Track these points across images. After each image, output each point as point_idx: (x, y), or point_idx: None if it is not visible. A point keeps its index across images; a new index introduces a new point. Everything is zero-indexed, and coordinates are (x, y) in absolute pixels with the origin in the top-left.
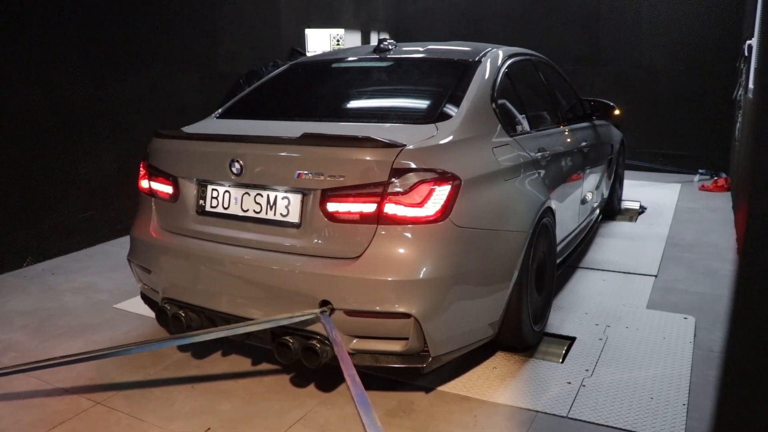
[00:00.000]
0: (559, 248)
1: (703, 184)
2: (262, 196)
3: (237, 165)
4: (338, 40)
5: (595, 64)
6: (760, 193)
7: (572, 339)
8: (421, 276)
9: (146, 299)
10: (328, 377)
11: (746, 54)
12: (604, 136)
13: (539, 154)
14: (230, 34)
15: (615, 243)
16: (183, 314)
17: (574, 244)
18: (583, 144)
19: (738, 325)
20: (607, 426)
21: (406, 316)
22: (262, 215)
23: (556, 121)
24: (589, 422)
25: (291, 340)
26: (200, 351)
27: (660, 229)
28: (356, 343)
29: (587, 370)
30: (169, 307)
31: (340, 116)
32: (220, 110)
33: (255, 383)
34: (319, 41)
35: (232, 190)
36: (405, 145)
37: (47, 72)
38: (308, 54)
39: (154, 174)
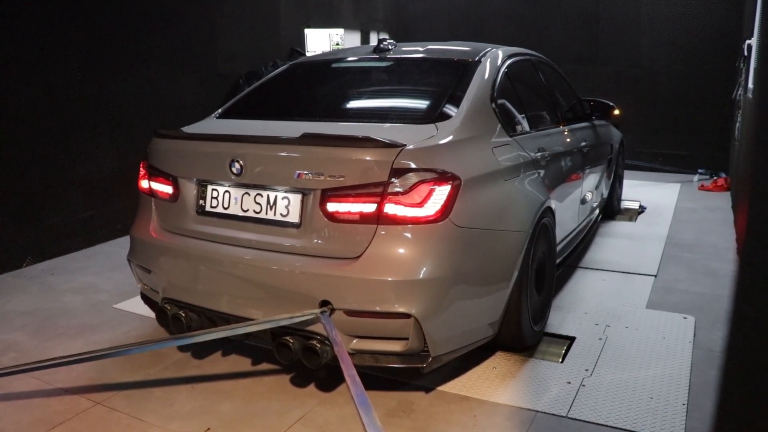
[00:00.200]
0: (558, 248)
1: (703, 184)
2: (262, 196)
3: (237, 165)
4: (338, 42)
5: (595, 64)
6: (760, 193)
7: (572, 339)
8: (421, 276)
9: (146, 299)
10: (328, 377)
11: (746, 54)
12: (604, 136)
13: (539, 154)
14: (230, 34)
15: (615, 243)
16: (183, 314)
17: (573, 243)
18: (583, 144)
19: (738, 325)
20: (607, 426)
21: (406, 316)
22: (262, 215)
23: (555, 121)
24: (588, 422)
25: (291, 340)
26: (200, 351)
27: (660, 229)
28: (356, 343)
29: (587, 370)
30: (169, 308)
31: (340, 116)
32: (219, 110)
33: (255, 383)
34: (318, 41)
35: (232, 190)
36: (405, 145)
37: (47, 72)
38: (308, 54)
39: (154, 174)
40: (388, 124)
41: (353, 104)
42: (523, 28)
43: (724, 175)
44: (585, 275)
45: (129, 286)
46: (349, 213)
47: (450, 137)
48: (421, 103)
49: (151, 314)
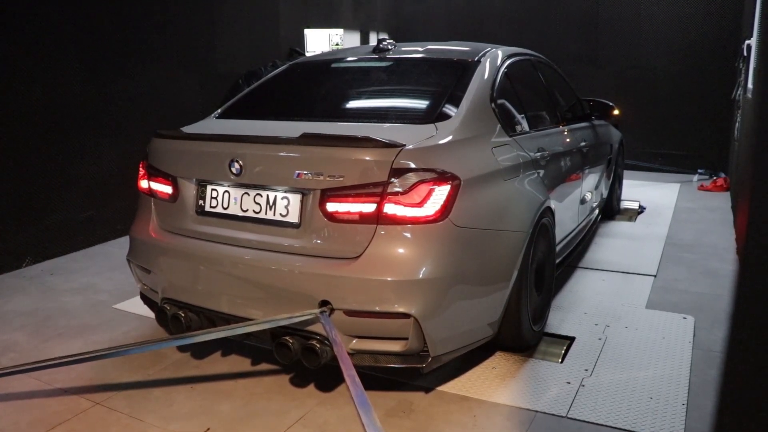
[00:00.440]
0: (558, 248)
1: (702, 184)
2: (261, 196)
3: (236, 165)
4: (337, 43)
5: (595, 64)
6: (760, 193)
7: (571, 339)
8: (421, 276)
9: (146, 299)
10: (327, 377)
11: (745, 54)
12: (603, 136)
13: (538, 154)
14: (229, 34)
15: (614, 243)
16: (182, 314)
17: (573, 243)
18: (583, 144)
19: (738, 325)
20: (607, 426)
21: (406, 316)
22: (262, 215)
23: (555, 121)
24: (588, 422)
25: (291, 341)
26: (200, 351)
27: (659, 229)
28: (356, 344)
29: (586, 370)
30: (168, 308)
31: (340, 116)
32: (219, 110)
33: (254, 383)
34: (318, 41)
35: (231, 190)
36: (404, 145)
37: (47, 72)
38: (307, 54)
39: (153, 174)
40: (388, 124)
41: (353, 104)
42: (523, 28)
43: (723, 175)
44: (585, 275)
45: (128, 287)
46: (348, 213)
47: (449, 137)
48: (421, 103)
49: (151, 314)
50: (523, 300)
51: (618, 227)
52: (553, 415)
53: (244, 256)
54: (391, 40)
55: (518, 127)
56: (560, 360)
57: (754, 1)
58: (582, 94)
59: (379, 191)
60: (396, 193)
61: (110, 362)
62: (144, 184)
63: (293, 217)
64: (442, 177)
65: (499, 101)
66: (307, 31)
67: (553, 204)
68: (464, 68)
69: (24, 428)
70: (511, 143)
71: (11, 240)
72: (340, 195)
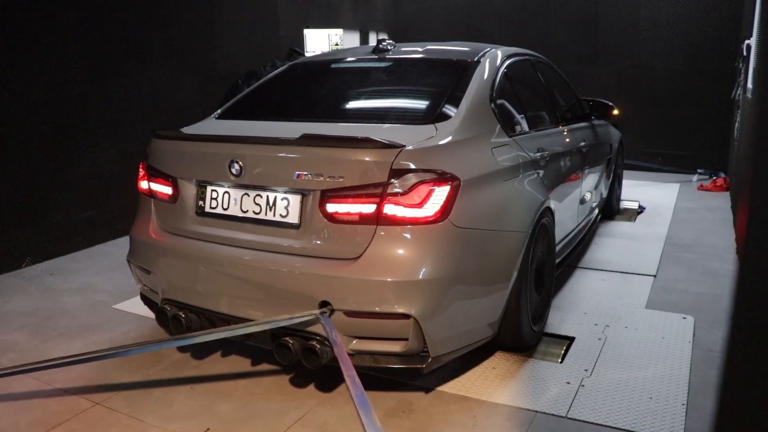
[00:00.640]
0: (558, 248)
1: (702, 184)
2: (261, 196)
3: (236, 166)
4: (337, 43)
5: (594, 64)
6: (760, 193)
7: (571, 339)
8: (421, 276)
9: (146, 300)
10: (327, 378)
11: (745, 54)
12: (603, 136)
13: (538, 154)
14: (229, 34)
15: (614, 243)
16: (183, 315)
17: (573, 244)
18: (582, 144)
19: (738, 325)
20: (607, 426)
21: (406, 316)
22: (262, 216)
23: (555, 121)
24: (588, 422)
25: (291, 341)
26: (200, 352)
27: (659, 229)
28: (356, 344)
29: (586, 370)
30: (168, 308)
31: (340, 117)
32: (219, 111)
33: (254, 384)
34: (317, 42)
35: (231, 190)
36: (404, 146)
37: (47, 72)
38: (307, 54)
39: (153, 175)
40: (388, 125)
41: (352, 105)
42: (522, 28)
43: (723, 175)
44: (584, 275)
45: (128, 287)
46: (348, 214)
47: (449, 138)
48: (421, 104)
49: (151, 315)
50: (523, 300)
51: (618, 227)
52: (552, 415)
53: (244, 256)
54: (391, 41)
55: (518, 128)
56: (560, 360)
57: (754, 1)
58: (582, 94)
59: (378, 192)
60: (396, 194)
61: (110, 362)
62: (144, 184)
63: (293, 218)
64: (441, 177)
65: (499, 101)
66: (307, 31)
67: (552, 204)
68: (464, 68)
69: (24, 428)
70: (510, 143)
71: (11, 240)
72: (340, 196)
